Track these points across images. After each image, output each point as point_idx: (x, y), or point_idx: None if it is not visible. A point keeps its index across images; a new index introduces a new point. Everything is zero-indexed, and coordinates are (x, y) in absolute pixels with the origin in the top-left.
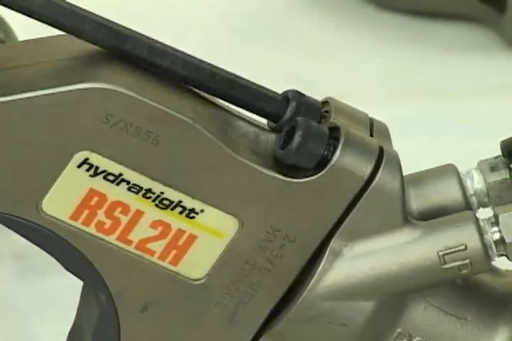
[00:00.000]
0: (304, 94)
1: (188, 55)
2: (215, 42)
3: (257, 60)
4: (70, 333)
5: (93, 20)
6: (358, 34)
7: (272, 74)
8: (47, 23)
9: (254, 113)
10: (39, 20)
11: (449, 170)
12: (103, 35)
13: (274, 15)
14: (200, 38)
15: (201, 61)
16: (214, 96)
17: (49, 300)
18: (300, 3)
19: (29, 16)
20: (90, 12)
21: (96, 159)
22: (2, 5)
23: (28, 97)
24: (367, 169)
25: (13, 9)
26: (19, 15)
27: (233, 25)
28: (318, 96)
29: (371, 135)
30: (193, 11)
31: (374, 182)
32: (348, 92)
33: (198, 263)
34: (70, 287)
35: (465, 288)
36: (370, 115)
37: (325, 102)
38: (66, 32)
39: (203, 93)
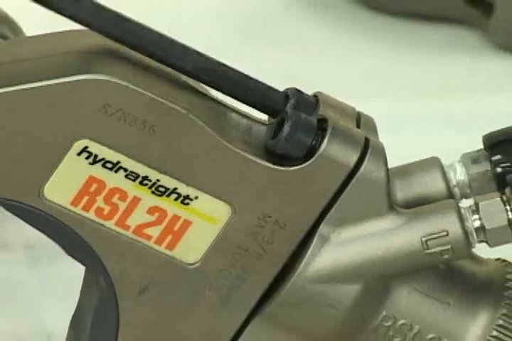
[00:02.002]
0: (302, 92)
1: (196, 50)
2: (216, 42)
3: (256, 58)
4: (72, 317)
5: (112, 15)
6: (352, 35)
7: (270, 72)
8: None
9: (256, 108)
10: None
11: (433, 163)
12: (118, 29)
13: (272, 16)
14: (201, 38)
15: (208, 57)
16: (218, 90)
17: (58, 285)
18: (297, 6)
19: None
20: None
21: (95, 147)
22: (55, 11)
23: (30, 88)
24: (352, 158)
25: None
26: (25, 11)
27: (233, 25)
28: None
29: (358, 127)
30: (196, 10)
31: (360, 171)
32: (342, 89)
33: (192, 248)
34: (78, 273)
35: (448, 273)
36: (362, 110)
37: (314, 96)
38: (87, 26)
39: (197, 86)
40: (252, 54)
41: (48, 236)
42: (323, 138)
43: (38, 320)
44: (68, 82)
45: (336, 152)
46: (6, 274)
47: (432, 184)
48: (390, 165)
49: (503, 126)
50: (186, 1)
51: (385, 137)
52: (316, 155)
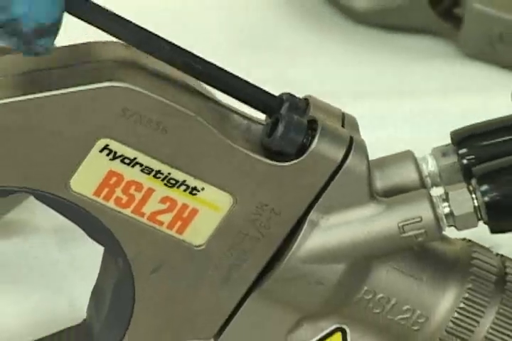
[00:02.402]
0: (294, 96)
1: (208, 61)
2: (219, 53)
3: (255, 66)
4: (92, 292)
5: (139, 30)
6: (339, 45)
7: (268, 77)
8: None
9: (257, 110)
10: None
11: (407, 156)
12: (141, 41)
13: (268, 29)
14: (206, 49)
15: (218, 66)
16: (224, 93)
17: (84, 264)
18: (291, 20)
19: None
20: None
21: (115, 145)
22: (97, 27)
23: (61, 93)
24: (339, 154)
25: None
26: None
27: (237, 37)
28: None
29: (343, 126)
30: (202, 24)
31: (345, 165)
32: (330, 92)
33: (199, 232)
34: (100, 253)
35: (421, 253)
36: (347, 111)
37: (305, 99)
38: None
39: (204, 91)
40: (253, 62)
41: (73, 221)
42: (313, 137)
43: (66, 294)
44: (92, 88)
45: (325, 149)
46: (38, 254)
47: (406, 174)
48: (370, 159)
49: (469, 124)
50: (196, 16)
51: (366, 134)
52: (308, 152)
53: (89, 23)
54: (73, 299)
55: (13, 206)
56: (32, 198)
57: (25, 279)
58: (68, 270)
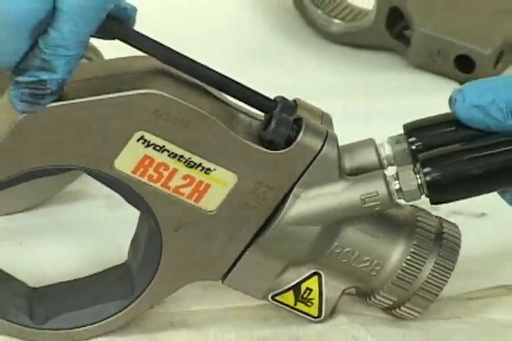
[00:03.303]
0: (286, 98)
1: (218, 72)
2: (222, 64)
3: (253, 74)
4: (132, 241)
5: (166, 49)
6: (318, 59)
7: (264, 84)
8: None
9: (257, 109)
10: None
11: (369, 142)
12: (167, 57)
13: (262, 47)
14: (212, 61)
15: (226, 76)
16: (232, 97)
17: (126, 221)
18: (280, 39)
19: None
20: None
21: (148, 136)
22: (132, 46)
23: (110, 97)
24: (318, 145)
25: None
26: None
27: (241, 52)
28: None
29: (321, 123)
30: (210, 40)
31: (321, 153)
32: (310, 95)
33: (211, 201)
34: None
35: (379, 218)
36: (323, 109)
37: (294, 101)
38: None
39: (217, 94)
40: (251, 71)
41: (115, 191)
42: (298, 131)
43: (113, 243)
44: (133, 94)
45: (307, 141)
46: (93, 215)
47: (368, 157)
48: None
49: (417, 118)
50: (205, 37)
51: (338, 127)
52: (294, 143)
53: (131, 44)
54: (118, 247)
55: (73, 179)
56: (86, 176)
57: (84, 233)
58: (115, 226)
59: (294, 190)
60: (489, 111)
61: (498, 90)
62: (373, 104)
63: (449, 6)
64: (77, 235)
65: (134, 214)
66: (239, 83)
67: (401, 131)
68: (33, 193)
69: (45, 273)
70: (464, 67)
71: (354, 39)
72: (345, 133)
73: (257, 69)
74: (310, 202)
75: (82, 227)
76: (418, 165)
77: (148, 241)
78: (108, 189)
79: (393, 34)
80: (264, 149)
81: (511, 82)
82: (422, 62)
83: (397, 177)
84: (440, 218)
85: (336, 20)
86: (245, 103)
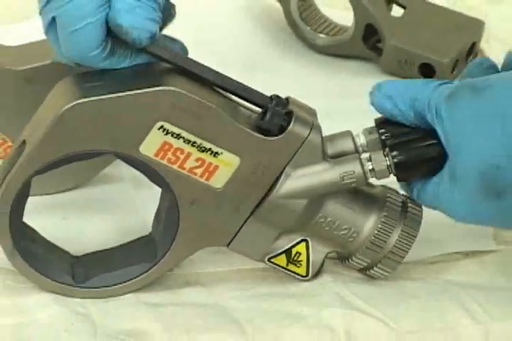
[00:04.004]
0: (279, 96)
1: (224, 74)
2: (223, 71)
3: (251, 79)
4: (155, 215)
5: (183, 58)
6: (305, 66)
7: (260, 88)
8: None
9: (255, 106)
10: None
11: (347, 133)
12: (184, 63)
13: (257, 56)
14: (214, 68)
15: (232, 78)
16: (235, 96)
17: (150, 198)
18: (272, 49)
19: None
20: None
21: (167, 126)
22: (157, 58)
23: (136, 93)
24: (305, 133)
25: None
26: None
27: (236, 59)
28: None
29: (308, 115)
30: (213, 50)
31: (308, 139)
32: (300, 95)
33: (219, 180)
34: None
35: (356, 193)
36: (311, 106)
37: (286, 99)
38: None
39: (220, 92)
40: (252, 77)
41: (141, 172)
42: (289, 122)
43: (139, 217)
44: (154, 90)
45: (297, 130)
46: (119, 194)
47: (346, 145)
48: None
49: None
50: (212, 44)
51: (321, 123)
52: (286, 132)
53: (151, 53)
54: (144, 221)
55: (106, 165)
56: (118, 162)
57: (115, 209)
58: (140, 203)
59: (286, 170)
60: (396, 102)
61: (406, 87)
62: (351, 104)
63: (414, 23)
64: (110, 211)
65: (156, 193)
66: (240, 83)
67: (373, 124)
68: (74, 176)
69: (84, 244)
70: (427, 73)
71: (336, 50)
72: (326, 128)
73: (254, 75)
74: (299, 179)
75: (114, 205)
76: (387, 150)
77: (168, 214)
78: (134, 173)
79: (368, 46)
80: (262, 136)
81: (416, 82)
82: (392, 69)
83: (370, 159)
84: (406, 196)
85: (321, 35)
86: (245, 100)
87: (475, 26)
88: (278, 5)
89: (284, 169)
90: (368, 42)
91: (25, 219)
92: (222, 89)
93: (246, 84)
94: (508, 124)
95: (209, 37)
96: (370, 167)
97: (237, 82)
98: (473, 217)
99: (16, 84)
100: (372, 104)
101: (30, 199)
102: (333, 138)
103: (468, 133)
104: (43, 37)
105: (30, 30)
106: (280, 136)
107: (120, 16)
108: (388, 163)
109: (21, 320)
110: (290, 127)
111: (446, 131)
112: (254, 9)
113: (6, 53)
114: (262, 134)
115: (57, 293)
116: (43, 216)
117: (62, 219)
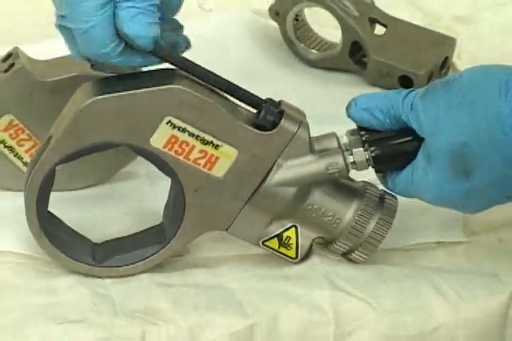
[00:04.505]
0: (273, 99)
1: (225, 78)
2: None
3: (250, 90)
4: (165, 206)
5: (187, 62)
6: (297, 78)
7: (259, 95)
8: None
9: (251, 107)
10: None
11: (332, 134)
12: (187, 66)
13: (259, 69)
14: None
15: (231, 82)
16: (235, 98)
17: (164, 195)
18: (267, 62)
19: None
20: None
21: (175, 121)
22: (165, 60)
23: (146, 91)
24: (295, 129)
25: (166, 61)
26: None
27: (236, 72)
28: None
29: (297, 114)
30: (218, 61)
31: (297, 134)
32: (293, 102)
33: (220, 170)
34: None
35: (339, 185)
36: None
37: (279, 102)
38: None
39: (221, 93)
40: (251, 87)
41: (151, 162)
42: (280, 119)
43: (154, 212)
44: (163, 88)
45: (288, 126)
46: (135, 189)
47: (331, 144)
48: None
49: None
50: (216, 58)
51: (310, 127)
52: (278, 127)
53: (161, 57)
54: (156, 212)
55: (125, 164)
56: (134, 162)
57: (132, 202)
58: (153, 197)
59: (278, 161)
60: (373, 112)
61: (380, 98)
62: (338, 111)
63: (394, 40)
64: (127, 204)
65: (167, 189)
66: (239, 86)
67: (355, 127)
68: (96, 174)
69: (104, 232)
70: (405, 84)
71: (326, 64)
72: (316, 132)
73: (254, 85)
74: (289, 169)
75: (131, 198)
76: (366, 145)
77: (175, 200)
78: (149, 170)
79: (354, 60)
80: (257, 131)
81: (388, 93)
82: (375, 81)
83: (351, 153)
84: (383, 190)
85: (313, 51)
86: (243, 100)
87: (448, 43)
88: (275, 24)
89: (276, 160)
90: (354, 57)
91: (51, 211)
92: (223, 90)
93: (243, 88)
94: (475, 110)
95: (212, 52)
96: (352, 160)
97: (236, 85)
98: (444, 198)
99: (45, 93)
100: (349, 116)
101: (57, 194)
102: (319, 137)
103: (441, 119)
104: (68, 52)
105: (57, 47)
106: (273, 131)
107: (125, 25)
108: (367, 156)
109: (51, 300)
110: (281, 123)
111: (421, 122)
112: (254, 28)
113: (37, 67)
114: (257, 129)
115: (79, 272)
116: (68, 208)
117: (86, 211)
